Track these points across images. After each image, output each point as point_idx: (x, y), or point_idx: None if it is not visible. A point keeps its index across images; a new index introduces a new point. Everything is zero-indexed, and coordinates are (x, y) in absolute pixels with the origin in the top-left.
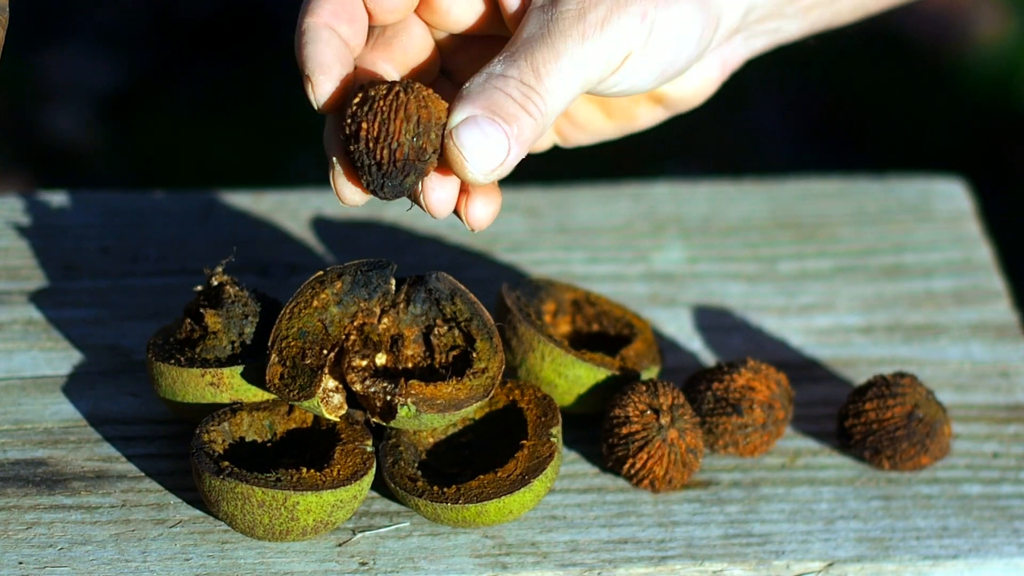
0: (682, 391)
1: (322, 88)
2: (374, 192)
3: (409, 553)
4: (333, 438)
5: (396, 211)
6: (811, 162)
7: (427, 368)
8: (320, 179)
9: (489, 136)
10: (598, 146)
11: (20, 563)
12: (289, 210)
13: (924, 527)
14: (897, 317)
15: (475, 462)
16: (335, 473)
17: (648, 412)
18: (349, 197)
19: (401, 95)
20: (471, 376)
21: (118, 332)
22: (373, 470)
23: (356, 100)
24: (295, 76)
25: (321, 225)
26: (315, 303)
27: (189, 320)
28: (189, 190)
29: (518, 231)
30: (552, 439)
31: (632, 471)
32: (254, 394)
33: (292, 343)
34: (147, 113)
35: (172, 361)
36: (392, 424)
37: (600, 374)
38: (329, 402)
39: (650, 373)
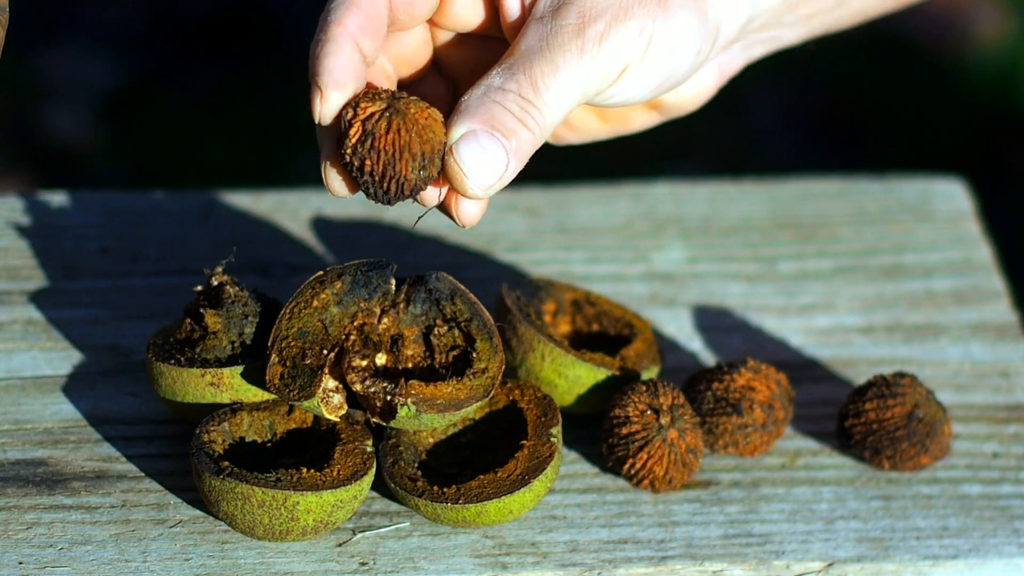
0: (682, 391)
1: (331, 104)
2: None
3: (409, 553)
4: (333, 438)
5: (396, 211)
6: (811, 162)
7: (427, 368)
8: (320, 180)
9: (488, 151)
10: (598, 146)
11: (20, 563)
12: (289, 210)
13: (924, 527)
14: (897, 317)
15: (475, 462)
16: (335, 473)
17: (648, 412)
18: (339, 191)
19: (403, 132)
20: (471, 376)
21: (118, 332)
22: (373, 470)
23: (353, 131)
24: (295, 76)
25: (321, 225)
26: (315, 303)
27: (189, 320)
28: (189, 190)
29: (518, 231)
30: (552, 439)
31: (632, 471)
32: (254, 394)
33: (292, 343)
34: (147, 113)
35: (172, 361)
36: (392, 424)
37: (600, 374)
38: (329, 402)
39: (650, 373)
